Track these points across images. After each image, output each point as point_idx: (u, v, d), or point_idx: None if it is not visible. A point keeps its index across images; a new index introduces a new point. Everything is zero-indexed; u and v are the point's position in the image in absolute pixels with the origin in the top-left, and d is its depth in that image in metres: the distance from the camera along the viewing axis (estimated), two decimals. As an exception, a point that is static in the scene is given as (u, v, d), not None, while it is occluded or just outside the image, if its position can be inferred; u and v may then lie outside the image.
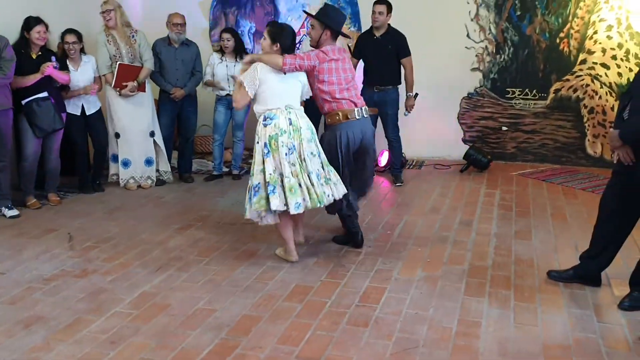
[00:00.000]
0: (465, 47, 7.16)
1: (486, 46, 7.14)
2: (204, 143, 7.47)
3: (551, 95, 7.05)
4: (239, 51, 6.29)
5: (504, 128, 7.25)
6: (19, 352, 3.00)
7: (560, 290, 3.70)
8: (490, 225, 4.95)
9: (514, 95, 7.18)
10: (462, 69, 7.19)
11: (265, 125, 3.99)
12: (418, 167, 7.10)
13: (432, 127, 7.29)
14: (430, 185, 6.27)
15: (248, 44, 7.76)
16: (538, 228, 4.87)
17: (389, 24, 6.13)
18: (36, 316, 3.38)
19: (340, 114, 4.21)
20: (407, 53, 6.12)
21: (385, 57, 6.08)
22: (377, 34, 6.13)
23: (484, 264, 4.12)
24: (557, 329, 3.24)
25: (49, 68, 5.28)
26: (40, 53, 5.34)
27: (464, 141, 7.34)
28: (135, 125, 6.03)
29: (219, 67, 6.23)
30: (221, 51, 6.30)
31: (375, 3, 6.09)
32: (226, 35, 6.22)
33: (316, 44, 4.27)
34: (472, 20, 7.12)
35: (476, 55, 7.18)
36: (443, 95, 7.24)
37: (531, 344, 3.08)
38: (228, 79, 6.20)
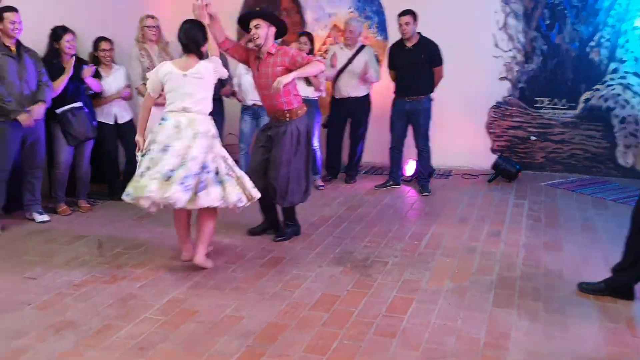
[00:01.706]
0: (494, 56, 7.12)
1: (514, 55, 7.09)
2: (230, 152, 7.47)
3: (581, 105, 6.96)
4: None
5: (533, 138, 7.18)
6: (50, 356, 3.05)
7: (591, 302, 3.64)
8: (519, 235, 4.90)
9: (542, 105, 7.11)
10: (490, 78, 7.15)
11: None
12: (445, 177, 7.06)
13: (460, 137, 7.25)
14: (458, 195, 6.22)
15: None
16: (568, 239, 4.81)
17: (419, 33, 6.12)
18: (66, 321, 3.43)
19: (304, 105, 4.74)
20: (440, 62, 6.11)
21: (418, 67, 6.07)
22: (409, 44, 6.11)
23: (512, 275, 4.07)
24: (588, 342, 3.18)
25: (89, 77, 5.42)
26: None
27: (492, 151, 7.29)
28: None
29: (245, 78, 6.26)
30: None
31: (399, 15, 6.08)
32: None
33: (263, 42, 4.49)
34: (500, 29, 7.08)
35: (504, 65, 7.13)
36: (471, 104, 7.20)
37: (561, 356, 3.04)
38: (254, 89, 6.23)
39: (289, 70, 4.46)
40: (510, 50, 7.09)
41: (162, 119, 4.07)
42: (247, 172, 4.43)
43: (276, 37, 4.62)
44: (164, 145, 3.94)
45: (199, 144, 3.96)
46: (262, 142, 4.79)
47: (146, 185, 3.86)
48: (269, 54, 4.52)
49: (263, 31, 4.46)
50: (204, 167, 3.96)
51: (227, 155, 4.22)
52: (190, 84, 4.05)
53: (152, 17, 6.00)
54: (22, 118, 4.89)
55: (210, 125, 4.12)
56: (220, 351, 3.09)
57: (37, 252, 4.55)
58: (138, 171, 4.01)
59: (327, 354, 3.06)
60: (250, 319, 3.44)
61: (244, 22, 4.62)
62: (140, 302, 3.68)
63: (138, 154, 4.14)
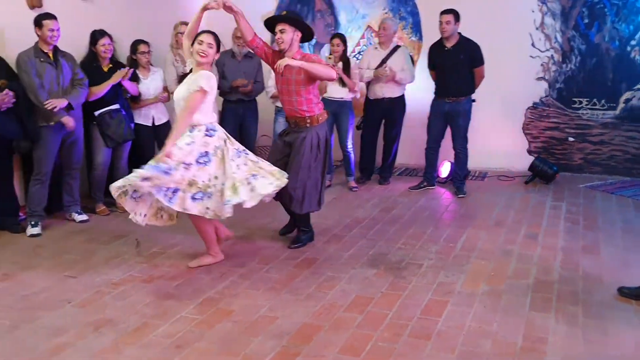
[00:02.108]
0: (530, 56, 7.02)
1: (552, 55, 6.98)
2: (263, 153, 7.54)
3: (621, 105, 6.82)
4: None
5: (571, 139, 7.06)
6: (89, 353, 3.11)
7: (633, 307, 3.56)
8: (556, 239, 4.82)
9: (581, 105, 6.98)
10: (526, 79, 7.05)
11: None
12: (481, 179, 6.98)
13: (496, 138, 7.17)
14: (494, 197, 6.15)
15: (309, 55, 7.83)
16: (607, 242, 4.71)
17: (459, 34, 6.06)
18: (105, 319, 3.49)
19: (325, 112, 4.63)
20: (481, 62, 6.04)
21: (458, 68, 6.00)
22: (448, 44, 6.05)
23: (550, 279, 4.01)
24: (628, 348, 3.11)
25: (126, 80, 5.54)
26: (111, 65, 5.54)
27: (529, 152, 7.19)
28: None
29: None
30: None
31: (441, 13, 6.01)
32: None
33: (288, 47, 4.41)
34: (537, 29, 6.98)
35: (541, 65, 7.03)
36: (507, 105, 7.12)
37: (601, 362, 2.98)
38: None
39: (308, 77, 4.39)
40: (547, 50, 6.99)
41: (212, 130, 4.12)
42: None
43: (302, 42, 4.54)
44: (237, 151, 4.20)
45: None
46: (279, 147, 4.69)
47: (264, 186, 4.10)
48: (293, 59, 4.39)
49: (288, 36, 4.38)
50: None
51: None
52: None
53: (187, 23, 6.07)
54: (66, 120, 5.03)
55: None
56: (255, 351, 3.12)
57: (77, 252, 4.66)
58: (234, 179, 4.01)
59: (361, 355, 3.06)
60: (285, 319, 3.46)
61: (270, 25, 4.55)
62: (177, 301, 3.74)
63: (174, 164, 3.90)
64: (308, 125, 4.52)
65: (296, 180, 4.46)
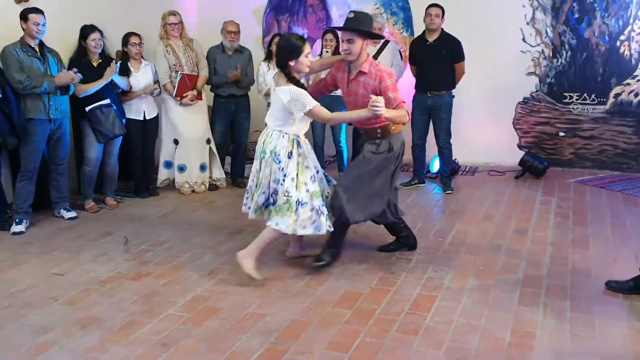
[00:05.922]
0: (521, 51, 7.03)
1: (542, 50, 6.98)
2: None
3: (611, 100, 6.83)
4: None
5: (561, 134, 7.06)
6: (75, 351, 3.09)
7: (620, 301, 3.57)
8: (546, 233, 4.82)
9: (571, 100, 6.99)
10: (517, 74, 7.05)
11: None
12: (471, 174, 6.98)
13: (486, 133, 7.18)
14: (483, 192, 6.15)
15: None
16: (596, 237, 4.71)
17: (442, 29, 6.07)
18: (92, 317, 3.47)
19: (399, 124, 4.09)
20: (462, 58, 6.04)
21: (439, 62, 6.00)
22: (430, 39, 6.06)
23: (539, 274, 4.01)
24: (616, 342, 3.11)
25: (115, 75, 5.50)
26: (100, 60, 5.51)
27: (520, 147, 7.19)
28: (192, 132, 6.15)
29: (269, 75, 6.26)
30: (268, 58, 6.34)
31: (431, 6, 6.03)
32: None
33: (357, 58, 3.97)
34: (527, 23, 6.97)
35: (532, 59, 7.03)
36: (498, 100, 7.12)
37: (588, 357, 2.98)
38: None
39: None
40: (538, 44, 6.98)
41: None
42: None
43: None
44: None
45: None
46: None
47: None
48: (362, 72, 4.00)
49: (357, 46, 3.89)
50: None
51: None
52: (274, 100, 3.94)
53: (174, 13, 6.06)
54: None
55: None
56: (243, 348, 3.10)
57: (64, 249, 4.62)
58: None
59: (349, 351, 3.05)
60: (274, 317, 3.45)
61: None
62: (164, 298, 3.71)
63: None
64: (379, 134, 4.12)
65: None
